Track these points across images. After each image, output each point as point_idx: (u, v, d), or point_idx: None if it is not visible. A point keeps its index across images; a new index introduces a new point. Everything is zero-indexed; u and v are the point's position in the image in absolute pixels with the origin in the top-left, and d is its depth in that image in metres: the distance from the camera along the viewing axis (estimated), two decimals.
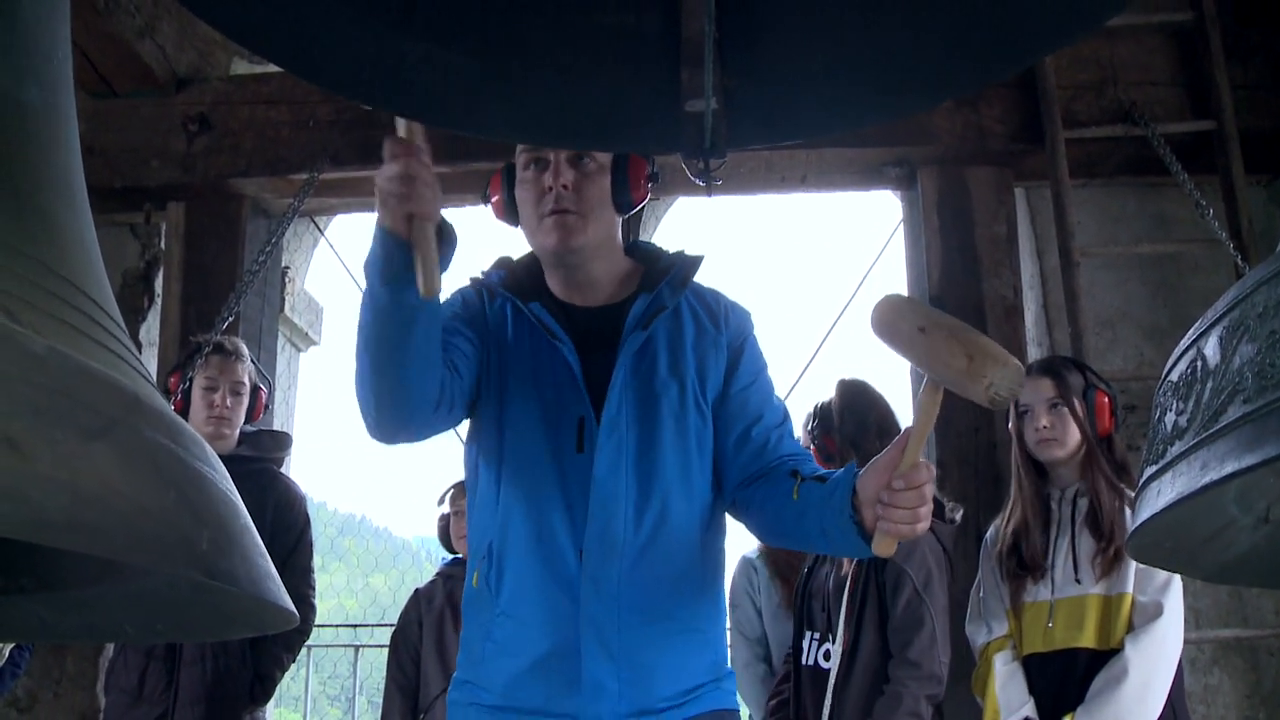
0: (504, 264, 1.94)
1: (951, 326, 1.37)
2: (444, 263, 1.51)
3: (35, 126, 1.06)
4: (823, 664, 2.83)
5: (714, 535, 1.85)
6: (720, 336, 1.86)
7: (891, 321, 1.44)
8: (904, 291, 4.14)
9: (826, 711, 2.75)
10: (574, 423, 1.76)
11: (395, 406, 1.64)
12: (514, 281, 1.88)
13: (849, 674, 2.75)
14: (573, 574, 1.71)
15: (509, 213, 1.86)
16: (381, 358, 1.58)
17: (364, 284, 1.55)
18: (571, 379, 1.77)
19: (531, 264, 1.92)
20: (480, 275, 1.93)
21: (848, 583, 2.81)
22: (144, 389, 0.98)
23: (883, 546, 1.50)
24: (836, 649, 2.78)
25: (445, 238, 1.52)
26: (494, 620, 1.76)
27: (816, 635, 2.89)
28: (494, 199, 1.88)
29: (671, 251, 1.94)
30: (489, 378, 1.83)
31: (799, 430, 3.00)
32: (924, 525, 1.47)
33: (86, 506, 0.75)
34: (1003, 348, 1.33)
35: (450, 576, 3.30)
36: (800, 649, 2.94)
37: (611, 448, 1.74)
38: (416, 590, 3.39)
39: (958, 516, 2.94)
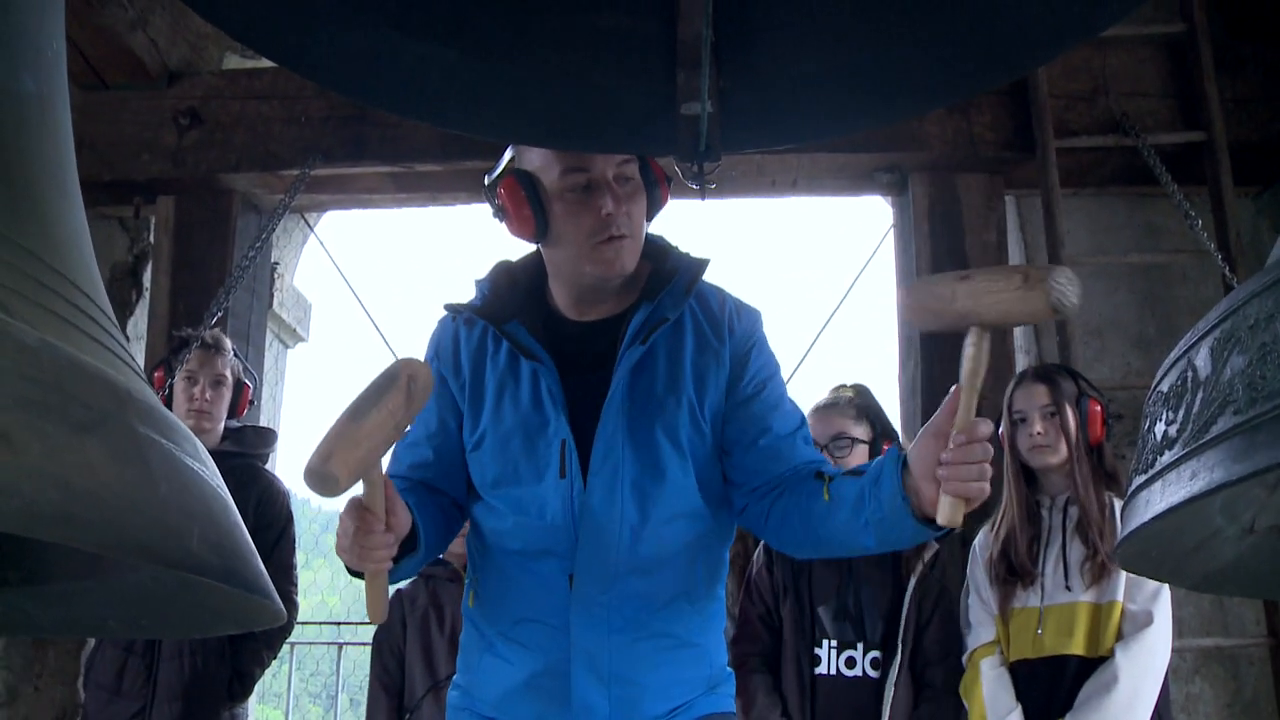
0: (494, 276, 1.85)
1: (991, 270, 1.31)
2: (408, 567, 1.64)
3: (30, 117, 1.05)
4: (846, 672, 2.81)
5: (714, 549, 1.80)
6: (723, 348, 1.76)
7: (928, 289, 1.37)
8: (894, 297, 4.15)
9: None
10: (556, 447, 1.70)
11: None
12: (495, 301, 1.80)
13: (897, 683, 2.77)
14: (562, 598, 1.69)
15: (538, 230, 1.72)
16: None
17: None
18: (553, 401, 1.71)
19: (530, 271, 1.85)
20: (455, 305, 1.85)
21: (910, 592, 2.82)
22: (135, 384, 0.98)
23: (950, 515, 1.38)
24: (894, 659, 2.78)
25: (410, 547, 1.59)
26: (489, 637, 1.77)
27: (834, 644, 2.85)
28: (515, 212, 1.73)
29: (679, 250, 1.84)
30: (471, 407, 1.79)
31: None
32: (988, 486, 1.37)
33: (77, 501, 0.74)
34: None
35: (432, 577, 3.28)
36: (814, 658, 2.86)
37: (607, 471, 1.68)
38: (399, 590, 3.37)
39: None
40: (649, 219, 1.78)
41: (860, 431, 2.95)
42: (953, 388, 1.39)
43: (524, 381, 1.75)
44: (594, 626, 1.68)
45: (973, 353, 1.34)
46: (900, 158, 4.06)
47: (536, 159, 1.73)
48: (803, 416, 1.82)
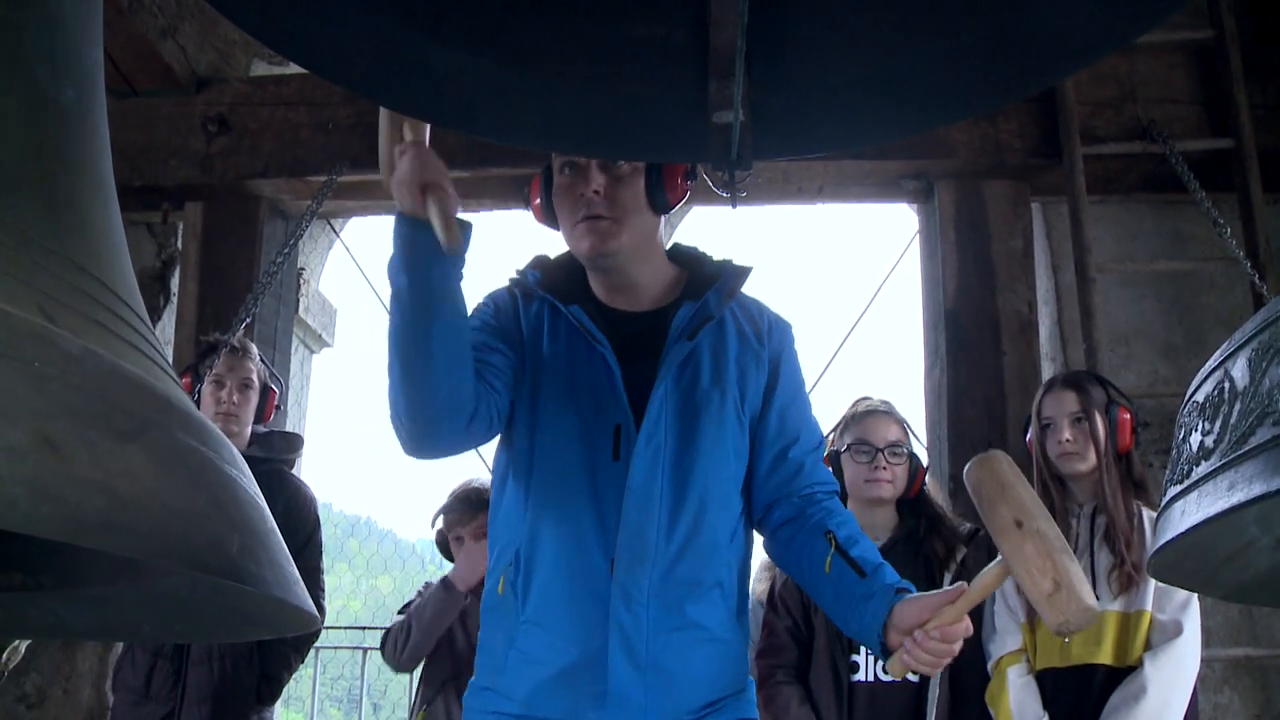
0: (541, 264, 1.93)
1: (1046, 536, 1.44)
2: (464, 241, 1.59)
3: (71, 126, 1.07)
4: (884, 677, 2.77)
5: (743, 546, 1.84)
6: (762, 350, 1.86)
7: (992, 499, 1.52)
8: (920, 304, 4.14)
9: None
10: (610, 430, 1.74)
11: (426, 413, 1.65)
12: (551, 283, 1.88)
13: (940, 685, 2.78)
14: (603, 583, 1.69)
15: (548, 216, 1.86)
16: (410, 353, 1.60)
17: (388, 289, 1.60)
18: (611, 385, 1.76)
19: (570, 264, 1.91)
20: (517, 275, 1.93)
21: None
22: (175, 392, 0.99)
23: (895, 669, 1.60)
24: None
25: (461, 228, 1.58)
26: (519, 628, 1.74)
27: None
28: (534, 203, 1.88)
29: (716, 259, 1.93)
30: (523, 383, 1.82)
31: None
32: (935, 672, 1.57)
33: (122, 508, 0.75)
34: (1085, 581, 1.42)
35: None
36: (852, 665, 2.82)
37: (648, 456, 1.73)
38: (428, 584, 3.37)
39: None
40: (660, 210, 1.84)
41: (907, 441, 2.97)
42: (960, 584, 1.57)
43: (581, 364, 1.80)
44: (633, 611, 1.69)
45: (991, 580, 1.53)
46: (926, 165, 4.06)
47: None
48: (822, 435, 1.92)
